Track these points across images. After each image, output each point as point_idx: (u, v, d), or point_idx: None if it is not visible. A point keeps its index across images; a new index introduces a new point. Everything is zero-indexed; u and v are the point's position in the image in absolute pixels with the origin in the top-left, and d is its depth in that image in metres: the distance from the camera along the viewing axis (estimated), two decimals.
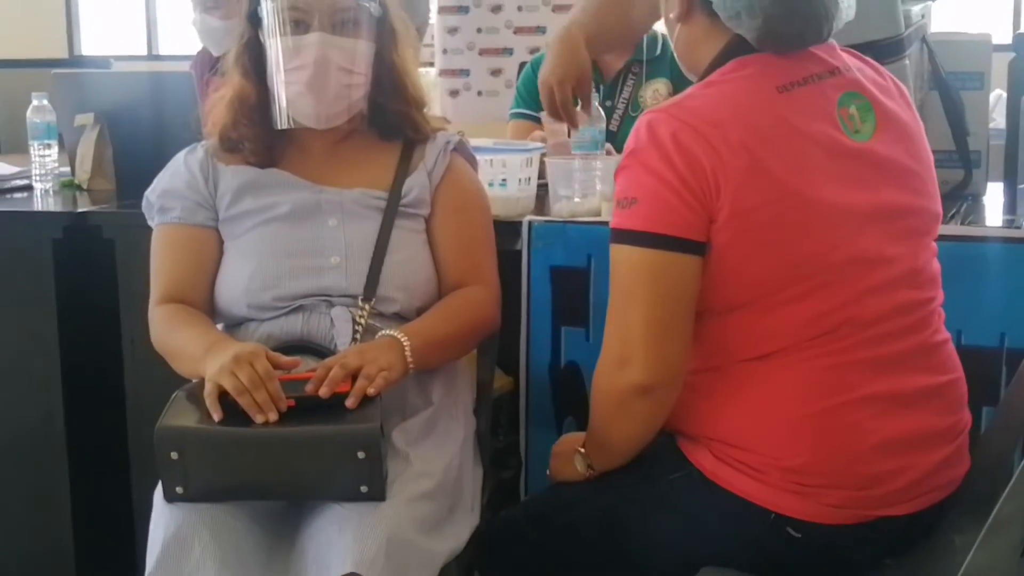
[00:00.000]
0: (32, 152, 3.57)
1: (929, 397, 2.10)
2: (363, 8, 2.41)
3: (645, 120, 2.04)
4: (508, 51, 5.77)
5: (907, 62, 2.57)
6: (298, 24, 2.37)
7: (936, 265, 2.16)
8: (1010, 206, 2.69)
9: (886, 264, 2.06)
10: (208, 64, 3.98)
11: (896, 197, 2.09)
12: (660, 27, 3.71)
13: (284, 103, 2.41)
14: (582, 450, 2.24)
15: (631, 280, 2.04)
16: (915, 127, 2.18)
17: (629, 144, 2.06)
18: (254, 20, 2.43)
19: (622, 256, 2.04)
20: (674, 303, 2.02)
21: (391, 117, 2.51)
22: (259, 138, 2.46)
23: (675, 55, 2.26)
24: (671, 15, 2.18)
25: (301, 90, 2.39)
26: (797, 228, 2.00)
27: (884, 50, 2.43)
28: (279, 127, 2.43)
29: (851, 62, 2.15)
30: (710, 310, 2.07)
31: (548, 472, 2.38)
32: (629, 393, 2.05)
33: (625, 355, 2.04)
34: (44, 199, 3.50)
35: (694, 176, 1.96)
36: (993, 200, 2.84)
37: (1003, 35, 3.20)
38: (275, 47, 2.38)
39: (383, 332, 2.30)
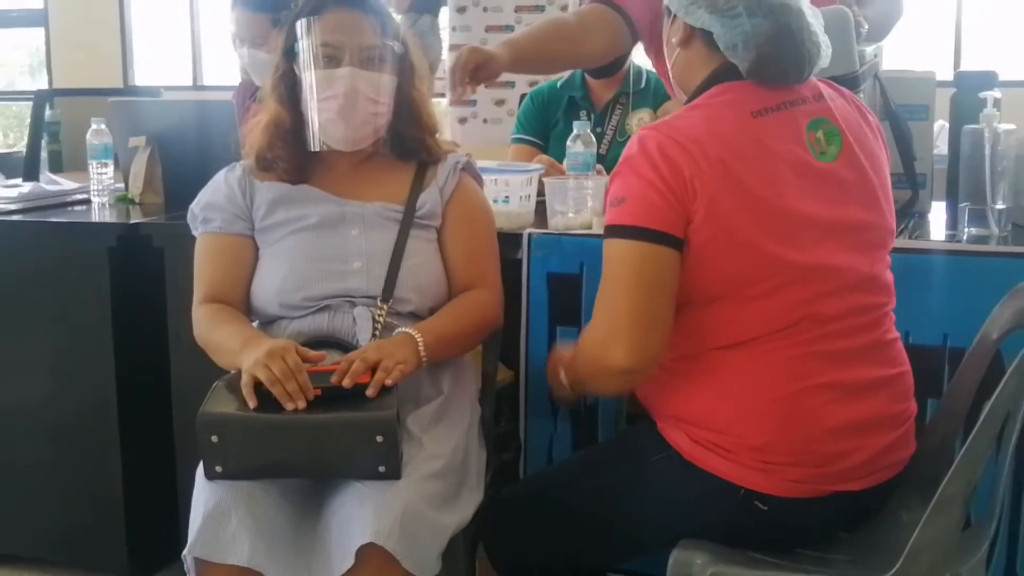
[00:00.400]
0: (91, 170, 3.58)
1: (880, 387, 2.10)
2: (387, 46, 2.41)
3: (638, 136, 2.06)
4: (510, 84, 5.75)
5: (861, 95, 2.56)
6: (331, 59, 2.38)
7: (890, 275, 2.16)
8: (952, 222, 2.69)
9: (844, 270, 2.06)
10: (248, 93, 3.97)
11: (855, 213, 2.09)
12: (643, 63, 3.73)
13: (317, 128, 2.40)
14: (562, 373, 2.26)
15: (619, 269, 2.04)
16: (878, 153, 2.18)
17: (623, 156, 2.07)
18: (289, 55, 2.43)
19: (613, 249, 2.05)
20: (659, 291, 2.01)
21: (408, 141, 2.51)
22: (292, 158, 2.46)
23: (671, 75, 2.25)
24: (673, 39, 2.18)
25: (332, 117, 2.39)
26: (765, 232, 2.01)
27: (842, 85, 2.42)
28: (312, 149, 2.43)
29: (825, 91, 2.15)
30: (691, 302, 2.06)
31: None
32: (610, 371, 2.05)
33: (610, 338, 2.02)
34: (101, 211, 3.50)
35: (675, 180, 1.98)
36: (937, 217, 2.85)
37: (945, 73, 3.21)
38: (310, 79, 2.38)
39: (399, 329, 2.29)
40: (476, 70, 2.74)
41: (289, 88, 2.44)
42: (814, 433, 2.03)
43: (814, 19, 2.10)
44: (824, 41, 2.11)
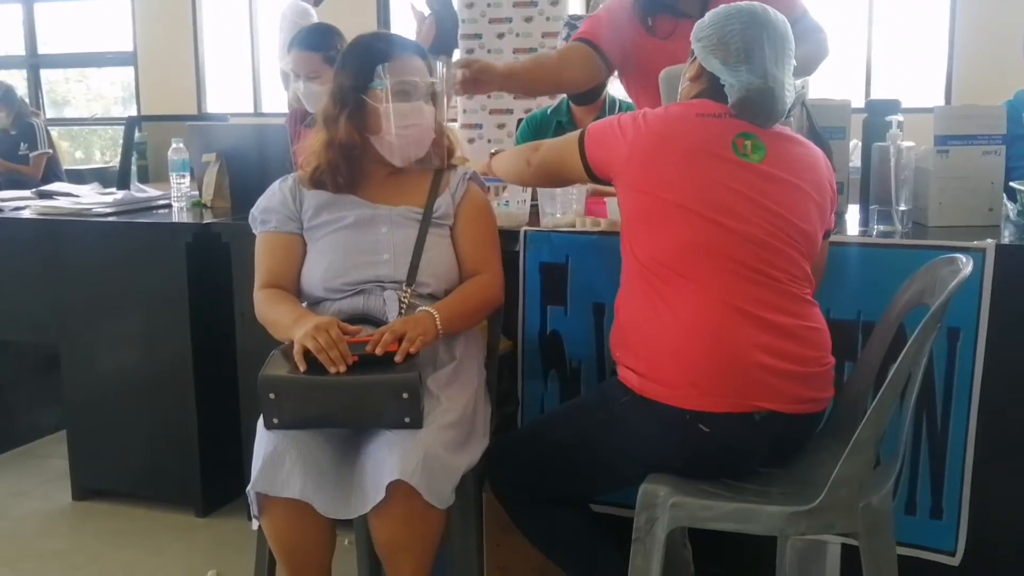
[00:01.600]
0: (172, 180, 3.58)
1: (798, 333, 2.07)
2: (436, 83, 2.44)
3: (636, 112, 2.25)
4: (509, 111, 5.77)
5: (791, 120, 2.55)
6: (408, 95, 2.38)
7: (803, 264, 2.12)
8: (864, 221, 2.68)
9: (750, 233, 2.06)
10: (298, 119, 3.95)
11: (768, 202, 2.08)
12: (616, 94, 3.72)
13: (398, 150, 2.41)
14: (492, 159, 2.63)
15: (568, 140, 2.32)
16: (816, 178, 2.17)
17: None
18: (362, 90, 2.39)
19: (575, 133, 2.32)
20: (562, 171, 2.35)
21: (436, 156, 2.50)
22: (348, 172, 2.43)
23: (680, 95, 2.31)
24: (687, 75, 2.26)
25: (411, 141, 2.40)
26: (674, 183, 2.09)
27: None
28: (398, 165, 2.43)
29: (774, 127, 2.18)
30: (629, 238, 2.17)
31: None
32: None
33: (529, 175, 2.47)
34: (180, 214, 3.49)
35: (621, 137, 2.17)
36: (852, 217, 2.83)
37: (858, 101, 3.21)
38: (394, 111, 2.36)
39: (420, 308, 2.28)
40: (478, 71, 2.78)
41: (360, 118, 2.41)
42: (737, 345, 2.01)
43: (790, 90, 2.15)
44: (787, 104, 2.16)
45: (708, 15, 2.21)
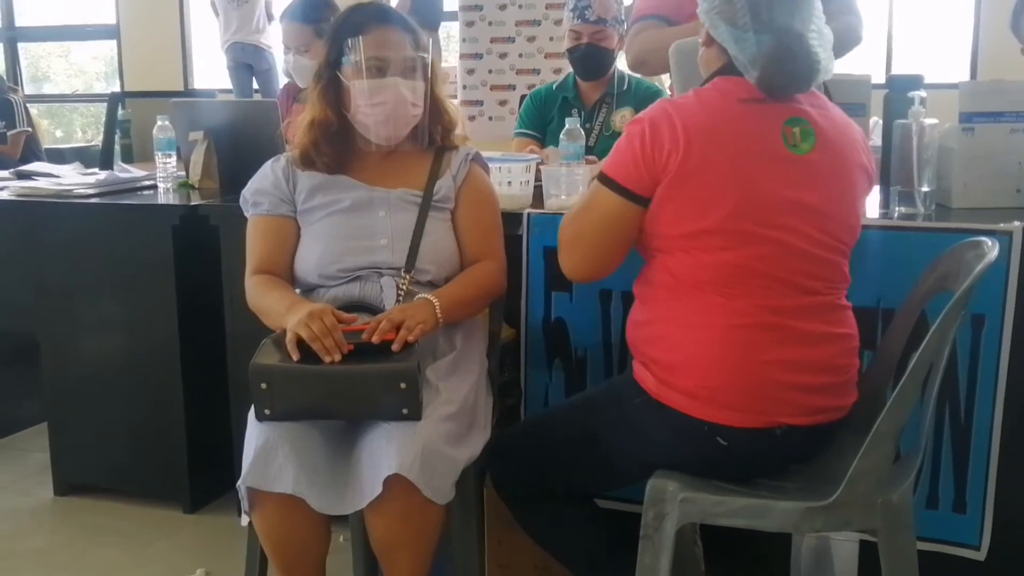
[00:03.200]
0: (157, 160, 3.58)
1: (829, 343, 2.06)
2: (420, 58, 2.41)
3: (654, 106, 2.11)
4: (512, 87, 5.78)
5: None
6: (378, 70, 2.36)
7: (841, 262, 2.11)
8: (885, 202, 2.68)
9: (795, 244, 2.03)
10: (292, 95, 3.96)
11: (819, 202, 2.05)
12: (625, 68, 3.72)
13: (369, 129, 2.40)
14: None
15: (594, 204, 2.13)
16: (859, 163, 2.14)
17: (640, 114, 2.12)
18: (335, 66, 2.40)
19: (596, 187, 2.13)
20: (613, 234, 2.12)
21: (432, 133, 2.50)
22: (333, 152, 2.44)
23: (699, 64, 2.24)
24: (700, 40, 2.20)
25: (382, 119, 2.39)
26: (723, 199, 2.01)
27: None
28: (374, 144, 2.42)
29: (816, 100, 2.12)
30: (660, 249, 2.10)
31: None
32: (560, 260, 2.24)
33: (567, 248, 2.20)
34: (166, 195, 3.49)
35: (654, 152, 2.02)
36: (872, 198, 2.82)
37: (879, 76, 3.20)
38: (360, 87, 2.36)
39: (419, 295, 2.29)
40: None
41: (334, 94, 2.42)
42: (759, 360, 2.01)
43: (817, 39, 2.07)
44: (824, 58, 2.08)
45: None
